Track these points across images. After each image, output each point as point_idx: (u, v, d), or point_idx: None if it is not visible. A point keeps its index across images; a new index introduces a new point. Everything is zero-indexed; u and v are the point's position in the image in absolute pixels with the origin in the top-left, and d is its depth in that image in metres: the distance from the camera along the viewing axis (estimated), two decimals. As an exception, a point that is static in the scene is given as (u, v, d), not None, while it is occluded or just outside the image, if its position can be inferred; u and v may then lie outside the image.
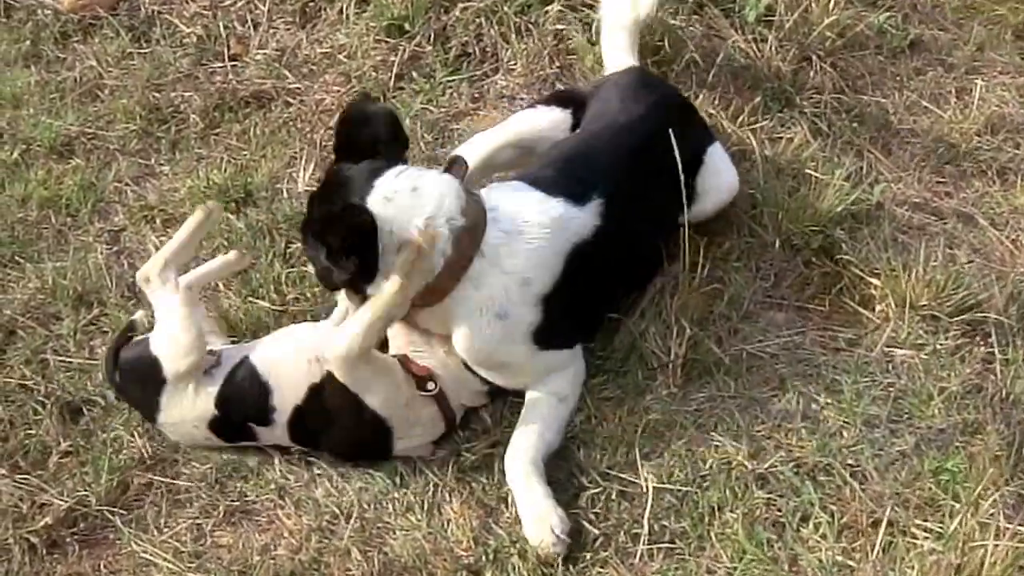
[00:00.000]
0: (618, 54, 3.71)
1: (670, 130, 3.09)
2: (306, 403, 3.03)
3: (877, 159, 3.76)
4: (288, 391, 3.04)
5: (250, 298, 3.45)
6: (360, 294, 3.01)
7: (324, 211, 2.96)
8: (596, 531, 2.92)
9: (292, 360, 3.06)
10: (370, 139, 3.01)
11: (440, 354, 3.09)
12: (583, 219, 3.07)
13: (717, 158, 3.44)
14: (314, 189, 3.21)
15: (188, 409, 3.07)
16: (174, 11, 4.35)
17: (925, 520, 2.85)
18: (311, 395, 3.02)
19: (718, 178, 3.41)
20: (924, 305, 3.26)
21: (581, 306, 3.14)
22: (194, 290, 3.19)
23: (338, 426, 3.03)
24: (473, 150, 3.46)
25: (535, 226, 3.03)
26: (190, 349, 3.02)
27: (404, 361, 3.07)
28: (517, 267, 3.00)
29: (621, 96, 3.39)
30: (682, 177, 3.10)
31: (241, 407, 3.06)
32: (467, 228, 2.95)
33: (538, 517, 2.91)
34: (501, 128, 3.56)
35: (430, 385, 3.05)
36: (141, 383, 3.09)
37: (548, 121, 3.50)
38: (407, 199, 2.93)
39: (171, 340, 3.04)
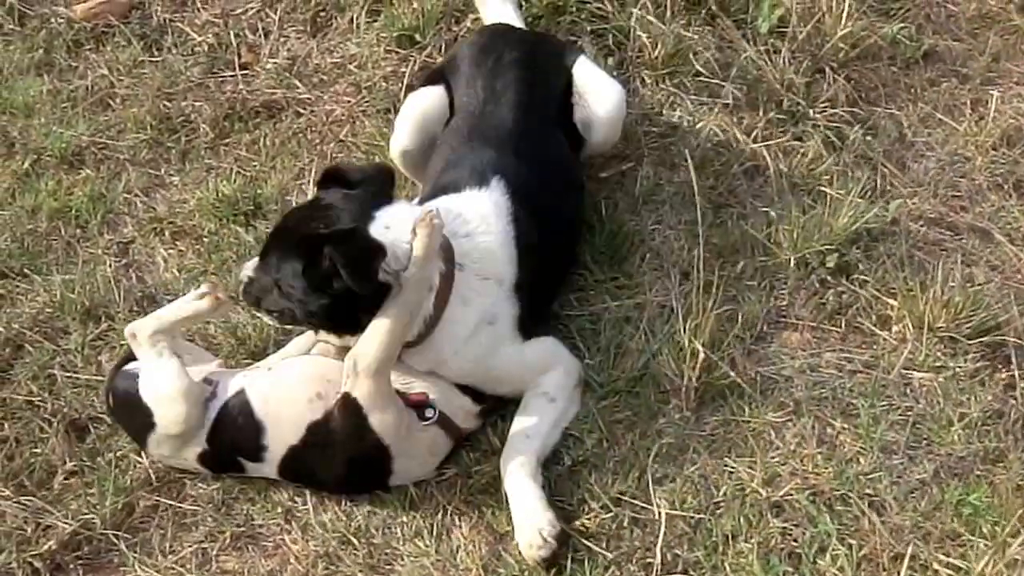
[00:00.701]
0: (498, 8, 3.64)
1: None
2: (303, 442, 2.83)
3: (892, 173, 3.53)
4: (284, 430, 2.85)
5: (259, 314, 3.24)
6: (334, 328, 2.85)
7: (330, 230, 2.75)
8: (608, 557, 2.73)
9: (292, 398, 2.86)
10: (360, 176, 2.87)
11: (429, 380, 2.91)
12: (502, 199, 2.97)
13: (586, 77, 3.30)
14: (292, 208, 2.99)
15: (177, 447, 2.90)
16: (186, 19, 4.14)
17: (947, 555, 2.64)
18: (310, 433, 2.82)
19: (597, 97, 3.25)
20: (942, 327, 3.04)
21: (541, 281, 3.01)
22: (176, 337, 2.98)
23: (338, 455, 2.82)
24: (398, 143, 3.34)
25: (482, 222, 2.92)
26: (180, 420, 2.83)
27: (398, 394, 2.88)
28: (488, 268, 2.87)
29: (476, 72, 3.25)
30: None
31: (232, 444, 2.87)
32: (443, 247, 2.83)
33: (527, 518, 2.74)
34: (407, 117, 3.35)
35: (428, 412, 2.85)
36: (131, 416, 2.91)
37: (437, 98, 3.31)
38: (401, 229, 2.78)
39: (160, 402, 2.84)
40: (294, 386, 2.88)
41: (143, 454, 3.00)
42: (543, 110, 3.19)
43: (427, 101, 3.32)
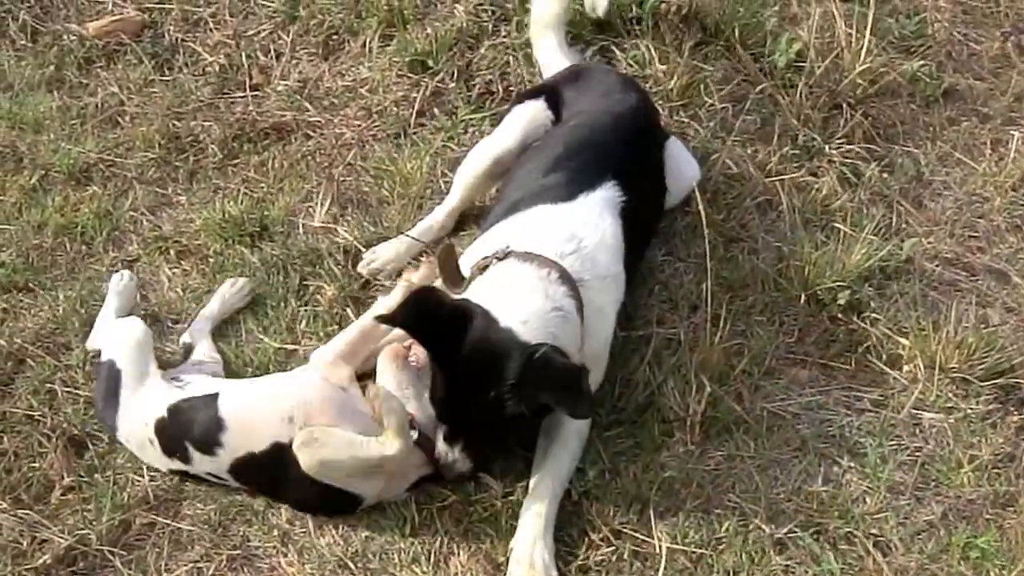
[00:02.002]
0: (551, 54, 3.83)
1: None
2: (264, 455, 2.93)
3: (907, 211, 3.63)
4: (247, 436, 2.94)
5: (261, 335, 3.36)
6: None
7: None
8: (605, 591, 2.81)
9: (263, 409, 2.96)
10: None
11: (423, 403, 2.99)
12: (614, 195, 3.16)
13: (677, 152, 3.54)
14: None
15: (143, 404, 3.06)
16: (198, 39, 4.28)
17: (953, 600, 2.72)
18: (273, 450, 2.92)
19: (680, 170, 3.53)
20: (954, 368, 3.13)
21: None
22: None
23: (307, 481, 2.90)
24: (483, 157, 3.53)
25: (585, 225, 3.09)
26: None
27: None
28: (602, 268, 3.04)
29: (609, 88, 3.48)
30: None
31: (188, 426, 2.99)
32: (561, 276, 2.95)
33: (528, 551, 2.81)
34: (506, 131, 3.55)
35: (412, 433, 2.92)
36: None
37: (542, 112, 3.53)
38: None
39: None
40: (274, 397, 2.98)
41: (141, 472, 3.09)
42: (650, 144, 3.45)
43: (537, 114, 3.54)
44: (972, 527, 2.85)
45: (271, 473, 2.95)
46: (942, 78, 4.01)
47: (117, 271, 3.52)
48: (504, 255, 2.96)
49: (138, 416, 3.07)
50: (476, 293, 2.90)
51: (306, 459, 2.85)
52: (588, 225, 3.06)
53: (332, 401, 2.97)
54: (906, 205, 3.64)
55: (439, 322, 2.79)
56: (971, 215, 3.65)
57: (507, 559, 2.85)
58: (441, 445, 2.91)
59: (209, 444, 2.97)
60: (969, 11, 4.27)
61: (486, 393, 2.76)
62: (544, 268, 2.90)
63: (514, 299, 2.84)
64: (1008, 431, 3.03)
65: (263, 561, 2.96)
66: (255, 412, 2.97)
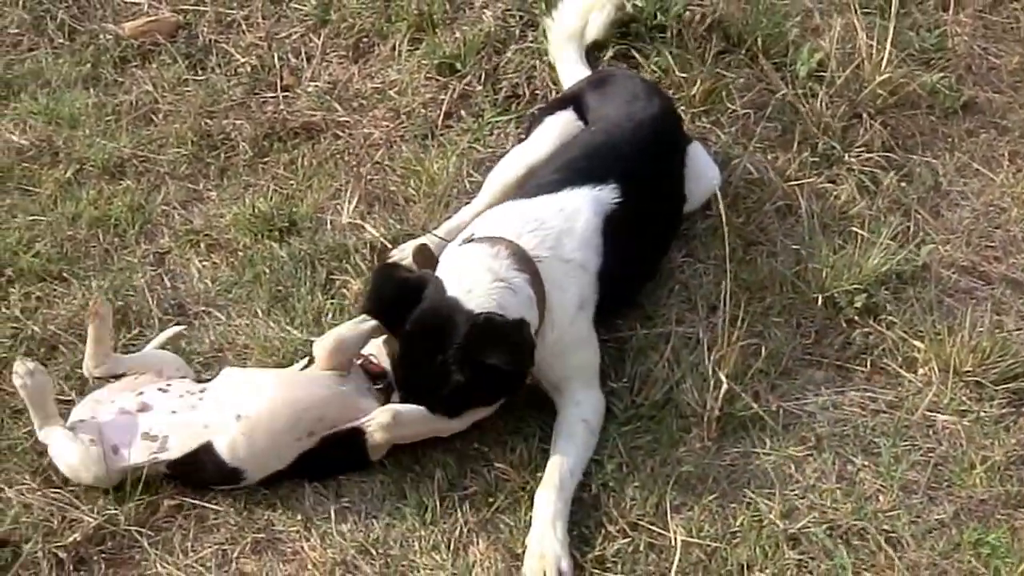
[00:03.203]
0: (572, 66, 3.95)
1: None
2: (292, 466, 3.06)
3: (925, 220, 3.71)
4: (266, 467, 3.06)
5: (288, 327, 3.45)
6: None
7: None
8: (622, 581, 2.88)
9: (276, 443, 3.05)
10: None
11: None
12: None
13: (698, 156, 3.65)
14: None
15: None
16: (231, 41, 4.40)
17: (964, 596, 2.79)
18: (300, 460, 3.04)
19: (701, 175, 3.64)
20: (969, 371, 3.20)
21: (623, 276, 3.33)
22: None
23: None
24: (516, 165, 3.64)
25: (559, 214, 3.23)
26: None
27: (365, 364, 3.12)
28: (566, 253, 3.17)
29: (633, 94, 3.63)
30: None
31: (202, 476, 3.07)
32: (514, 254, 3.10)
33: (541, 546, 2.90)
34: (540, 140, 3.66)
35: (379, 383, 3.08)
36: None
37: (572, 122, 3.65)
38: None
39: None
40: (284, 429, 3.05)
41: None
42: (669, 151, 3.57)
43: (568, 125, 3.66)
44: (983, 526, 2.91)
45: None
46: (961, 90, 4.10)
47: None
48: (467, 241, 3.19)
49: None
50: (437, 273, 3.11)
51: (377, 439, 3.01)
52: (559, 213, 3.23)
53: (341, 395, 3.08)
54: (923, 214, 3.73)
55: (398, 295, 3.04)
56: (988, 225, 3.74)
57: (522, 551, 2.94)
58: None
59: (234, 480, 3.07)
60: (989, 26, 4.36)
61: (433, 358, 2.96)
62: (495, 247, 3.11)
63: (461, 274, 3.05)
64: (1021, 434, 3.11)
65: (286, 545, 3.04)
66: (267, 448, 3.05)
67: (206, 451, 3.03)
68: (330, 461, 3.09)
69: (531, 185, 3.44)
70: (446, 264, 3.16)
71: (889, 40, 3.98)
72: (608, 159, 3.39)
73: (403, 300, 3.04)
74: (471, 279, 3.03)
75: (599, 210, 3.25)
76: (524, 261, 3.09)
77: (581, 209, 3.24)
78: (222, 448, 3.02)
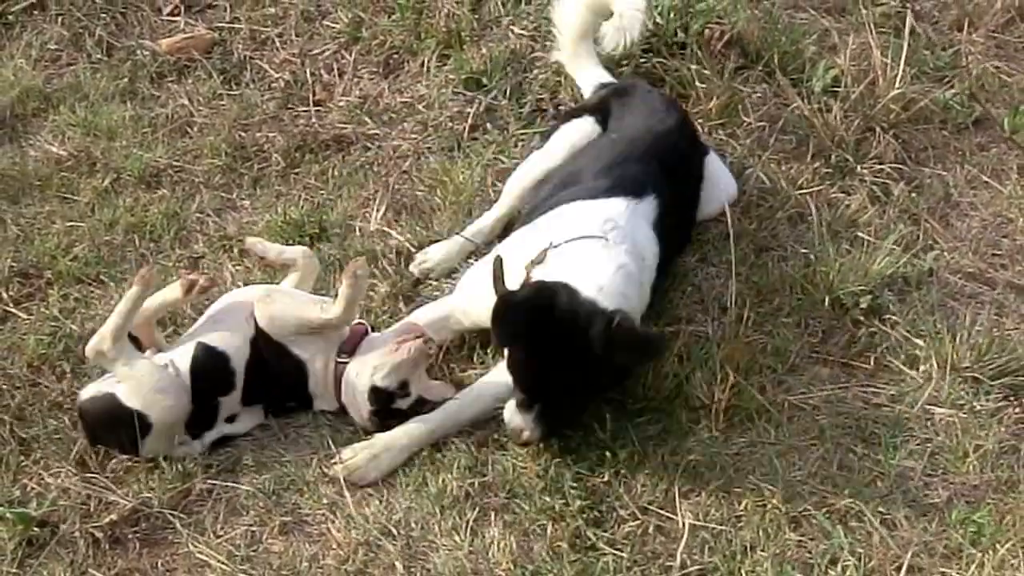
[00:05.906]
0: (585, 70, 4.36)
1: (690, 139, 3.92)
2: (250, 359, 3.53)
3: (934, 228, 4.05)
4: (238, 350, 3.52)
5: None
6: None
7: None
8: (628, 559, 3.19)
9: (233, 320, 3.55)
10: None
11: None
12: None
13: (715, 168, 4.00)
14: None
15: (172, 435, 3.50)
16: (264, 57, 4.83)
17: (950, 569, 3.10)
18: (253, 348, 3.53)
19: (717, 184, 4.01)
20: (967, 367, 3.55)
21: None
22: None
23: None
24: (534, 170, 4.01)
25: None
26: (173, 409, 3.46)
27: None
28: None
29: (653, 107, 4.00)
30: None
31: (210, 385, 3.51)
32: None
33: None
34: (556, 147, 4.02)
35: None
36: (117, 430, 3.47)
37: (590, 128, 4.02)
38: None
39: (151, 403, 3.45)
40: (233, 306, 3.59)
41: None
42: (686, 163, 3.94)
43: (586, 130, 4.03)
44: (972, 508, 3.24)
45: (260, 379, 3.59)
46: (973, 107, 4.45)
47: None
48: (558, 244, 3.47)
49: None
50: (548, 274, 3.39)
51: (259, 313, 3.50)
52: (624, 218, 3.56)
53: None
54: (933, 222, 4.07)
55: (528, 316, 3.28)
56: (996, 234, 4.09)
57: (530, 529, 3.27)
58: (510, 412, 3.37)
59: (228, 385, 3.53)
60: (1002, 45, 4.75)
61: (572, 362, 3.25)
62: (599, 239, 3.43)
63: (586, 269, 3.35)
64: (1012, 424, 3.46)
65: (312, 527, 3.35)
66: (228, 325, 3.55)
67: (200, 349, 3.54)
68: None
69: (582, 188, 3.74)
70: (561, 261, 3.41)
71: (903, 58, 4.36)
72: (639, 168, 3.73)
73: (536, 320, 3.27)
74: (599, 274, 3.34)
75: (650, 222, 3.61)
76: (629, 245, 3.45)
77: (640, 223, 3.59)
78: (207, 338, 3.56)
